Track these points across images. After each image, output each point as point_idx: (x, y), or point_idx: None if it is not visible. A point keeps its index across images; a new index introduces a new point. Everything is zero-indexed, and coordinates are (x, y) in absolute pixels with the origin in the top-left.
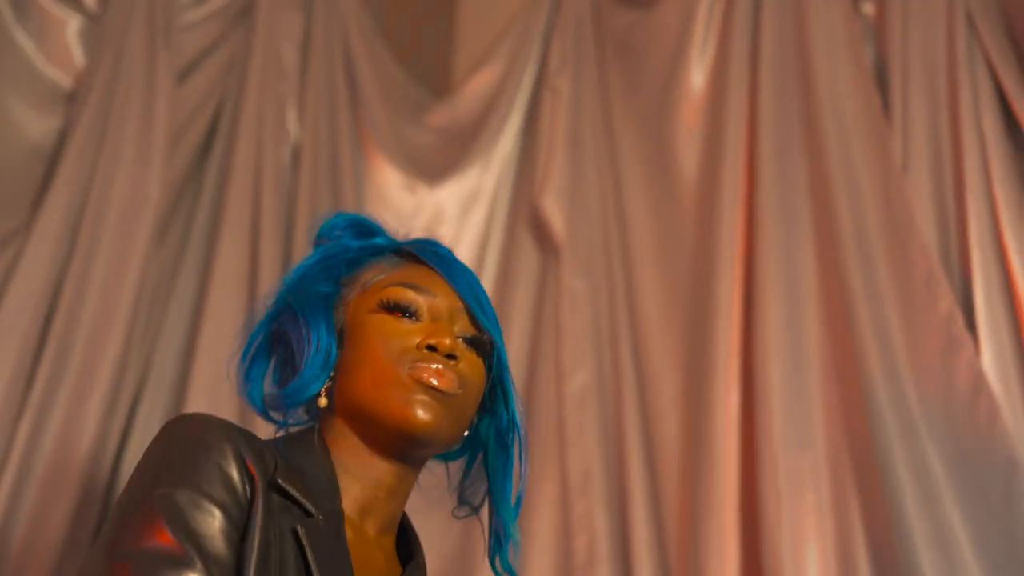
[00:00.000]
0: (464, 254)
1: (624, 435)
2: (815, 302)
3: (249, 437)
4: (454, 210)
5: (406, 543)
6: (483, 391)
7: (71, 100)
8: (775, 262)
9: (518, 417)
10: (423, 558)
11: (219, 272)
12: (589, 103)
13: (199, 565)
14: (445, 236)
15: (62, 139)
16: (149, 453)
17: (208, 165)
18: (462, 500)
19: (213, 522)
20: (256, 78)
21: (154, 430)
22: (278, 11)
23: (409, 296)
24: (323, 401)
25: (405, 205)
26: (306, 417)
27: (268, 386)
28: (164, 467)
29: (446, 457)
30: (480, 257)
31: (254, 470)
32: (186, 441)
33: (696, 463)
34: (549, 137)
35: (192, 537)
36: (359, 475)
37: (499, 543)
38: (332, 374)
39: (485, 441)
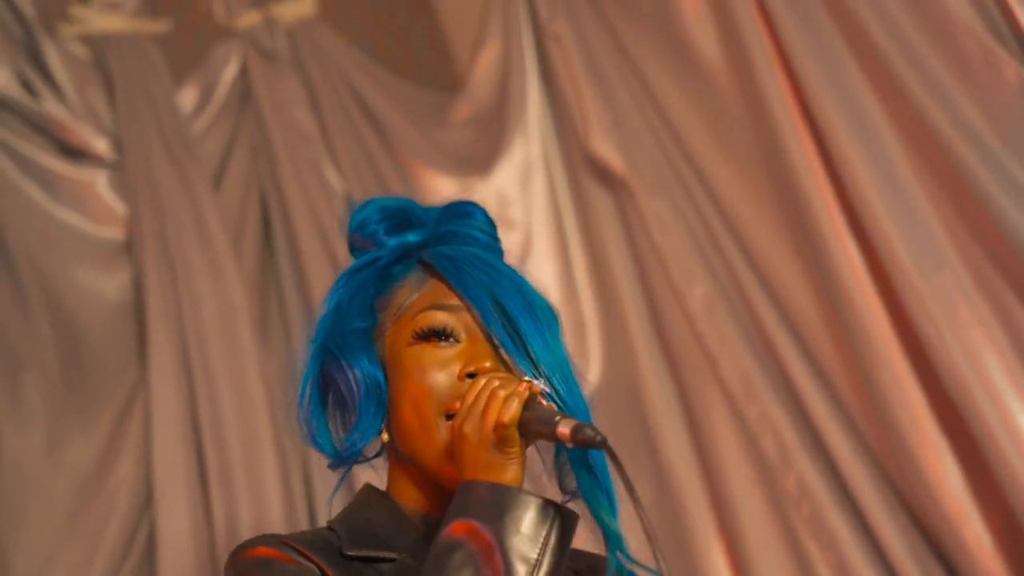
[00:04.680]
0: (540, 223)
1: (766, 329)
2: (887, 125)
3: (299, 536)
4: (514, 190)
5: None
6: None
7: (130, 249)
8: (831, 103)
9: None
10: None
11: None
12: (594, 36)
13: None
14: (515, 215)
15: (137, 288)
16: None
17: (276, 250)
18: (562, 486)
19: None
20: (283, 153)
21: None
22: (274, 82)
23: (440, 319)
24: (385, 437)
25: None
26: (373, 454)
27: (333, 429)
28: None
29: None
30: (557, 219)
31: (315, 557)
32: (254, 566)
33: (844, 325)
34: (571, 82)
35: None
36: (424, 502)
37: (608, 540)
38: (386, 410)
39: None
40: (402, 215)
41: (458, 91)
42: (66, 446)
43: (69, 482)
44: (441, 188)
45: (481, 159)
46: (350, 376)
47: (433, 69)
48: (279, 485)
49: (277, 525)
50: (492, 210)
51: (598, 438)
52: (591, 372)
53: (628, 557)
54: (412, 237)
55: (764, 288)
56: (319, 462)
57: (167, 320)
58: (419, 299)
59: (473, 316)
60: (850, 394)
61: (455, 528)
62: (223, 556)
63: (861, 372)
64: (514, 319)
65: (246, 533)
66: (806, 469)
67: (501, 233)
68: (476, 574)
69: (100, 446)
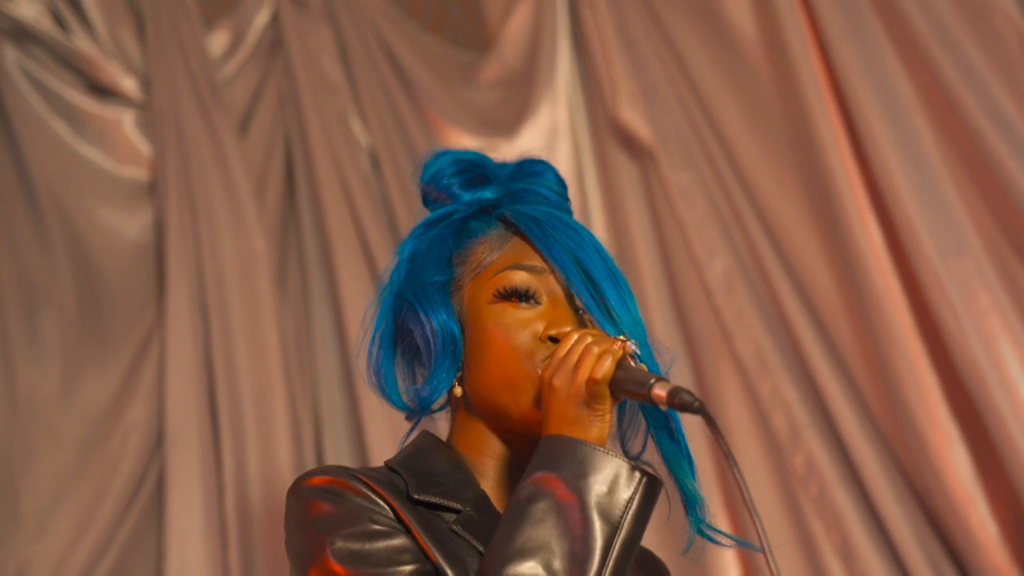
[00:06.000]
0: None
1: (783, 305)
2: (917, 107)
3: (368, 470)
4: (539, 153)
5: None
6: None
7: (152, 190)
8: (863, 83)
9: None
10: None
11: (347, 295)
12: (627, 3)
13: None
14: None
15: (159, 229)
16: (294, 523)
17: (298, 199)
18: (626, 451)
19: (388, 547)
20: (310, 102)
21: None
22: (306, 31)
23: (523, 279)
24: (459, 391)
25: None
26: (440, 404)
27: (400, 378)
28: (317, 527)
29: None
30: (580, 185)
31: (387, 495)
32: (320, 495)
33: (862, 305)
34: (602, 49)
35: (381, 565)
36: (490, 457)
37: (688, 503)
38: (460, 364)
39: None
40: (477, 169)
41: (488, 51)
42: (80, 385)
43: (81, 421)
44: (463, 147)
45: (507, 121)
46: (427, 328)
47: (464, 28)
48: (289, 433)
49: (285, 473)
50: None
51: (696, 403)
52: None
53: (706, 525)
54: (487, 193)
55: (784, 265)
56: (329, 411)
57: (186, 263)
58: (501, 258)
59: (557, 279)
60: (863, 375)
61: (538, 480)
62: (231, 502)
63: (876, 353)
64: (598, 284)
65: (255, 480)
66: (815, 448)
67: None
68: (557, 527)
69: (114, 387)
